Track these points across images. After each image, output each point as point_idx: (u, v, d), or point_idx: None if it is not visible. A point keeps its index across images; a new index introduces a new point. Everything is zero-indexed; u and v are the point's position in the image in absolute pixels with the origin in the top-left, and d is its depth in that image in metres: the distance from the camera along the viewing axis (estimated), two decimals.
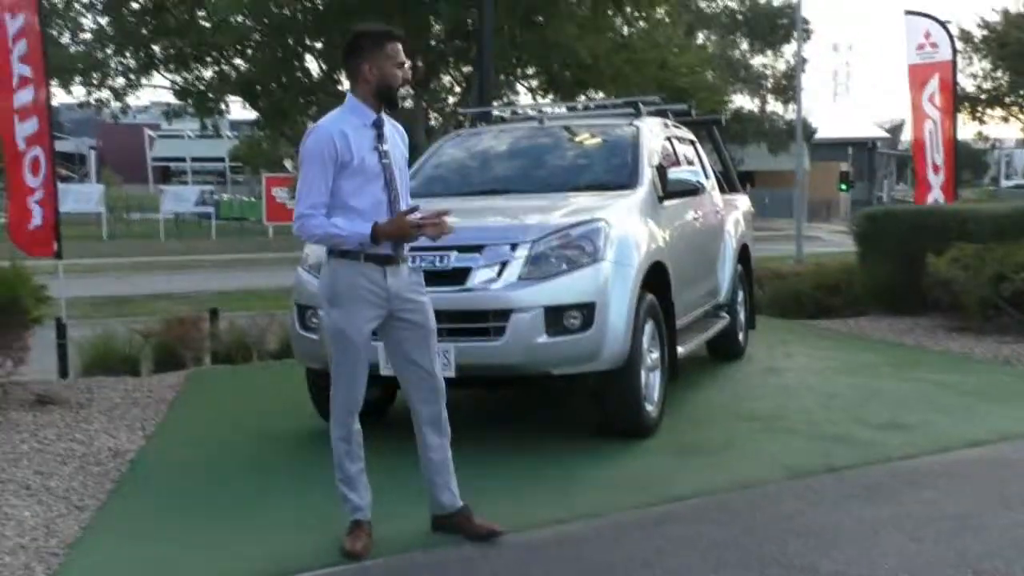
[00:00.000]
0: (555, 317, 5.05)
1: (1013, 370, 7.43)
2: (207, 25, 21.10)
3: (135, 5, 22.45)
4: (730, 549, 3.85)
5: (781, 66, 44.31)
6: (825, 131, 49.69)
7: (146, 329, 8.62)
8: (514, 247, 5.15)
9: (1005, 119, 33.72)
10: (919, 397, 6.44)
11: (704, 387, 6.91)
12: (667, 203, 6.35)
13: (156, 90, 25.38)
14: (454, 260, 5.12)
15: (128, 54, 22.70)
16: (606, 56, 19.95)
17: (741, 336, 8.13)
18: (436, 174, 6.90)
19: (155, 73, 23.62)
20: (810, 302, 10.59)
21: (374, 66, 3.88)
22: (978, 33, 31.73)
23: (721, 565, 3.70)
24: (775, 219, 41.15)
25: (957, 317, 9.07)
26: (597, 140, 7.05)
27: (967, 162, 55.48)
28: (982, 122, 33.76)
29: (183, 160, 65.87)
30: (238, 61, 22.61)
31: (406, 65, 3.92)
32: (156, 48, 22.51)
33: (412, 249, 4.84)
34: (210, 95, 23.14)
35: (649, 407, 5.53)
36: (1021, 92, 32.11)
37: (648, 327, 5.52)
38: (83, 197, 32.78)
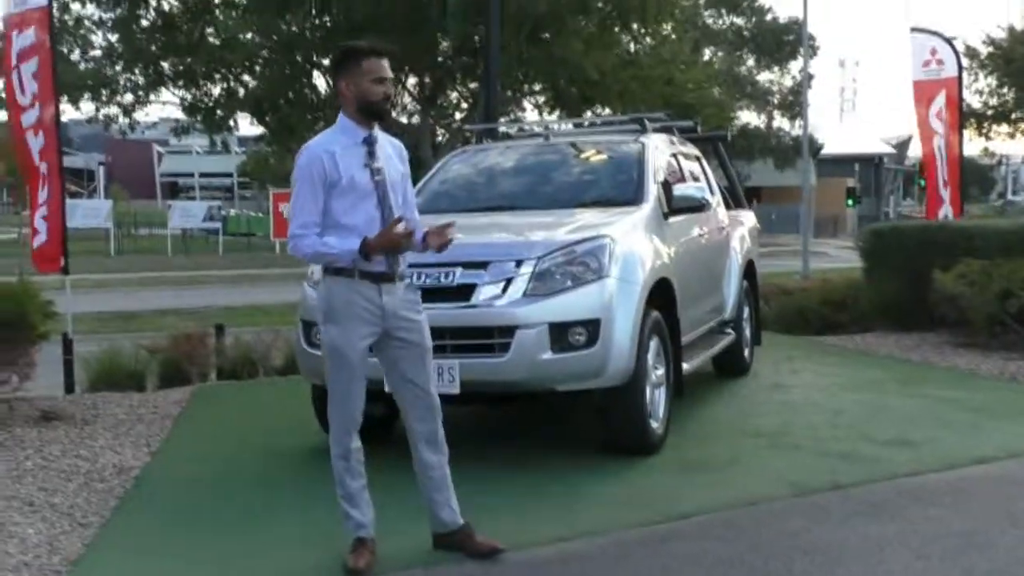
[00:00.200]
0: (560, 334, 5.04)
1: (1020, 386, 7.40)
2: (216, 42, 21.23)
3: (144, 22, 22.59)
4: (735, 567, 3.84)
5: (787, 82, 44.44)
6: (831, 147, 49.72)
7: (152, 345, 8.62)
8: (519, 263, 5.15)
9: (1011, 135, 33.72)
10: (925, 414, 6.41)
11: (709, 403, 6.90)
12: (672, 219, 6.35)
13: (165, 106, 25.52)
14: (459, 276, 5.13)
15: (137, 71, 22.84)
16: (613, 72, 20.00)
17: (747, 352, 8.11)
18: (442, 190, 6.92)
19: (164, 89, 23.76)
20: (816, 318, 10.57)
21: (351, 83, 3.90)
22: (984, 50, 31.76)
23: None
24: (782, 235, 41.13)
25: (963, 333, 9.04)
26: (603, 156, 7.06)
27: (974, 178, 55.46)
28: (988, 138, 33.75)
29: (191, 176, 66.14)
30: (246, 78, 22.72)
31: (388, 80, 3.90)
32: (165, 65, 22.64)
33: (417, 266, 4.89)
34: (218, 111, 23.25)
35: (654, 424, 5.51)
36: None
37: (653, 343, 5.51)
38: (91, 212, 32.94)
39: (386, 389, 4.22)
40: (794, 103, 41.68)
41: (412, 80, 23.84)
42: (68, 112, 25.46)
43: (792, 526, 4.30)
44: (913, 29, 13.07)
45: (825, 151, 48.00)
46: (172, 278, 23.98)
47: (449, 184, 7.06)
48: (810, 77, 29.31)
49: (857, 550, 3.97)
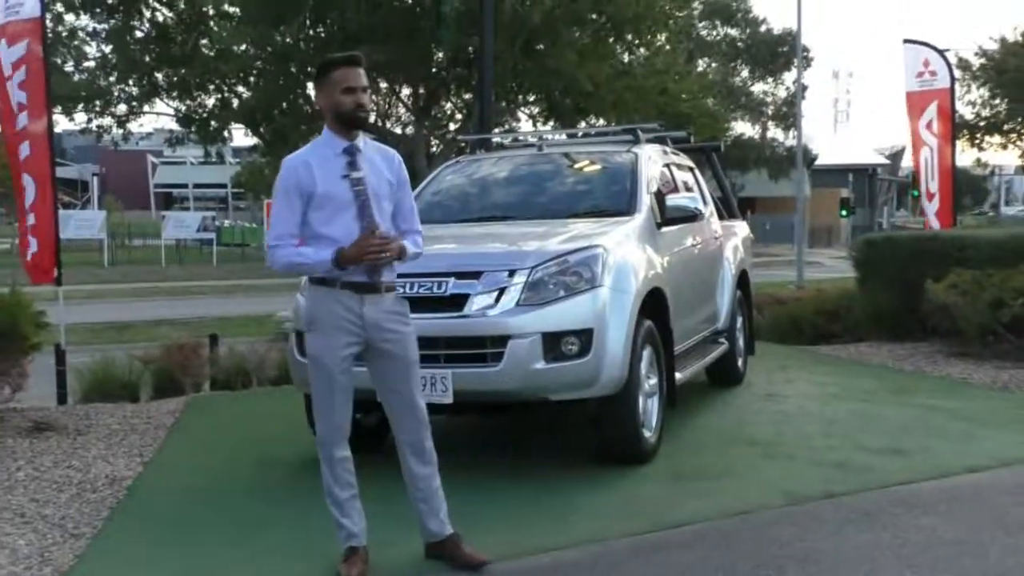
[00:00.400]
0: (553, 343, 5.04)
1: (1012, 395, 7.42)
2: (210, 53, 21.27)
3: (139, 33, 22.63)
4: (729, 575, 3.84)
5: (781, 93, 44.58)
6: (825, 158, 49.90)
7: (145, 355, 8.62)
8: (512, 273, 5.15)
9: (1004, 146, 33.87)
10: (918, 423, 6.43)
11: (703, 413, 6.90)
12: (665, 229, 6.36)
13: (159, 117, 25.54)
14: (452, 286, 5.13)
15: (131, 82, 22.86)
16: (606, 83, 20.06)
17: (740, 362, 8.13)
18: (435, 200, 6.93)
19: (158, 100, 23.79)
20: (810, 328, 10.60)
21: (322, 95, 3.94)
22: (976, 61, 31.92)
23: None
24: (776, 245, 41.19)
25: (956, 343, 9.07)
26: (596, 167, 7.08)
27: (967, 188, 55.65)
28: (981, 149, 33.90)
29: (185, 186, 66.14)
30: (240, 89, 22.75)
31: (360, 88, 3.88)
32: (159, 76, 22.67)
33: (410, 275, 4.89)
34: (212, 122, 23.28)
35: (647, 433, 5.52)
36: (1019, 119, 32.25)
37: (646, 353, 5.52)
38: (85, 223, 32.91)
39: (379, 398, 4.21)
40: (788, 114, 41.84)
41: (406, 91, 23.89)
42: (62, 123, 25.49)
43: (785, 535, 4.30)
44: (906, 41, 13.15)
45: (819, 162, 48.17)
46: (166, 289, 23.94)
47: (442, 195, 7.07)
48: (804, 88, 29.45)
49: (850, 559, 3.97)
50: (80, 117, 23.34)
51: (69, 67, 22.92)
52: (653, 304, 5.71)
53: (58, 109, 20.84)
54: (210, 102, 23.60)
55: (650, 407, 5.60)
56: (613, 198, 6.51)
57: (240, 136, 26.72)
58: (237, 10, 20.40)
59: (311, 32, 20.61)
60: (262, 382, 8.60)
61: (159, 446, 6.38)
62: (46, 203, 7.68)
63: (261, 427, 6.99)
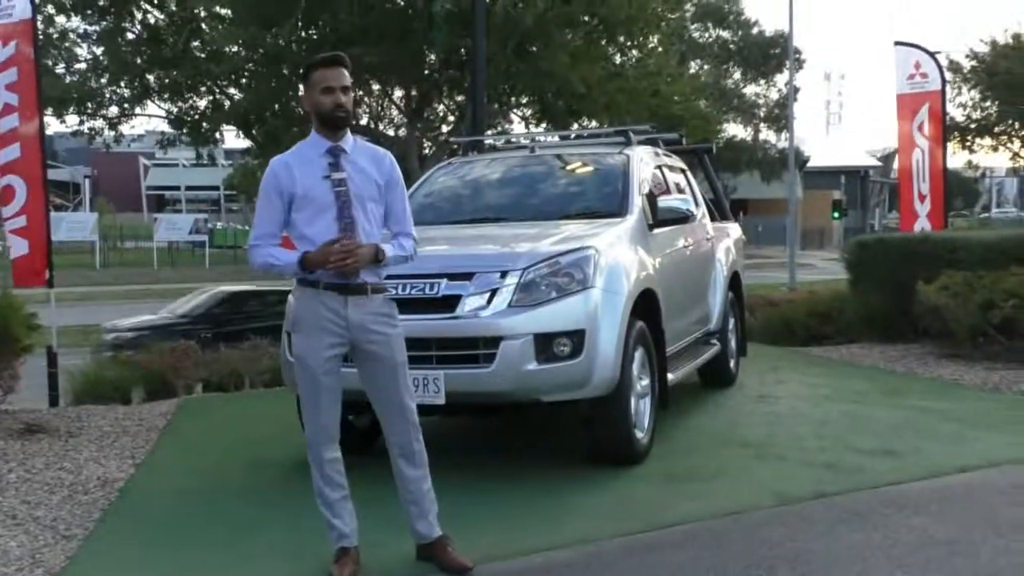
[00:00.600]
0: (545, 344, 5.05)
1: (1003, 396, 7.45)
2: (201, 55, 21.22)
3: (130, 35, 22.57)
4: None
5: (773, 95, 44.71)
6: (817, 159, 50.06)
7: (138, 357, 8.61)
8: (504, 274, 5.15)
9: (995, 148, 33.97)
10: (909, 424, 6.44)
11: (695, 414, 6.91)
12: (657, 231, 6.38)
13: (151, 119, 25.49)
14: (444, 287, 5.13)
15: (123, 83, 22.80)
16: (599, 85, 20.05)
17: (732, 363, 8.14)
18: (427, 202, 6.93)
19: (149, 102, 23.72)
20: (801, 329, 10.63)
21: (305, 96, 3.97)
22: (967, 63, 32.00)
23: None
24: (768, 247, 41.32)
25: (947, 344, 9.10)
26: (588, 168, 7.09)
27: (958, 190, 55.84)
28: (972, 151, 33.99)
29: (177, 189, 65.96)
30: (232, 90, 22.71)
31: (339, 88, 3.88)
32: (150, 77, 22.61)
33: (402, 277, 4.90)
34: (204, 124, 23.23)
35: (639, 434, 5.53)
36: (1010, 121, 32.36)
37: (638, 354, 5.53)
38: (77, 226, 32.86)
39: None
40: (780, 116, 41.94)
41: (399, 92, 23.87)
42: (53, 125, 25.44)
43: (776, 535, 4.31)
44: (897, 43, 13.20)
45: (811, 164, 48.33)
46: (158, 291, 23.91)
47: (434, 196, 7.07)
48: (796, 90, 29.51)
49: (841, 559, 3.99)
50: (72, 119, 23.27)
51: (60, 69, 22.85)
52: (645, 305, 5.72)
53: (49, 111, 20.78)
54: (202, 104, 23.55)
55: (642, 408, 5.61)
56: (605, 200, 6.52)
57: (232, 138, 26.67)
58: (229, 12, 20.36)
59: (303, 34, 20.57)
60: (254, 384, 8.60)
61: (151, 448, 6.37)
62: (38, 205, 7.66)
63: (253, 429, 6.98)
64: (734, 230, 9.07)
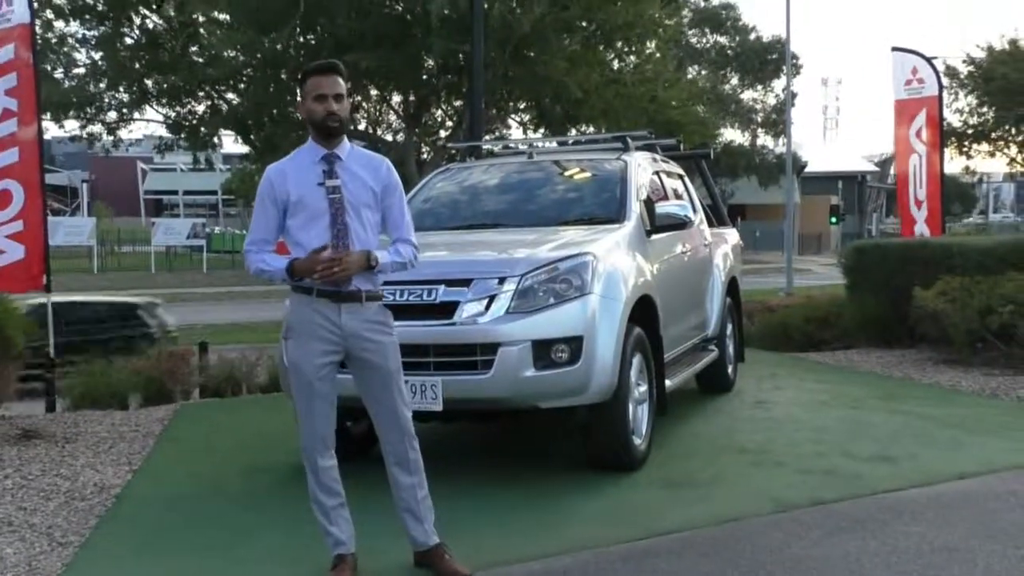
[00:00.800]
0: (543, 351, 5.05)
1: (1000, 402, 7.45)
2: (200, 60, 21.22)
3: (129, 40, 22.58)
4: None
5: (771, 100, 44.73)
6: (815, 165, 50.10)
7: (135, 363, 8.59)
8: (502, 281, 5.15)
9: (992, 154, 34.02)
10: (907, 430, 6.44)
11: (692, 420, 6.91)
12: (655, 237, 6.38)
13: (149, 124, 25.50)
14: (442, 294, 5.13)
15: (121, 88, 22.81)
16: (596, 91, 20.07)
17: (730, 369, 8.14)
18: (425, 208, 6.94)
19: (148, 107, 23.72)
20: (799, 335, 10.63)
21: (301, 104, 3.99)
22: (964, 69, 32.07)
23: None
24: (766, 252, 41.34)
25: (945, 350, 9.10)
26: (586, 174, 7.09)
27: (956, 196, 55.88)
28: (969, 156, 34.04)
29: (175, 193, 65.93)
30: (230, 95, 22.72)
31: (332, 96, 3.87)
32: (149, 82, 22.61)
33: (400, 283, 4.90)
34: (202, 129, 23.22)
35: (637, 440, 5.53)
36: (1007, 127, 32.41)
37: (636, 360, 5.53)
38: (74, 230, 32.82)
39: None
40: (778, 121, 41.97)
41: (397, 98, 23.88)
42: (51, 130, 25.43)
43: (774, 542, 4.30)
44: (894, 48, 13.23)
45: (808, 169, 48.36)
46: (156, 296, 23.87)
47: (432, 202, 7.07)
48: (793, 95, 29.54)
49: (838, 566, 3.98)
50: (70, 124, 23.28)
51: (59, 74, 22.86)
52: (643, 311, 5.71)
53: (47, 116, 20.78)
54: (200, 109, 23.55)
55: (640, 414, 5.61)
56: (603, 206, 6.53)
57: (230, 143, 26.67)
58: (227, 17, 20.37)
59: (301, 39, 20.58)
60: (252, 389, 8.59)
61: (148, 454, 6.36)
62: (35, 210, 7.64)
63: (250, 435, 6.97)
64: (732, 235, 9.07)
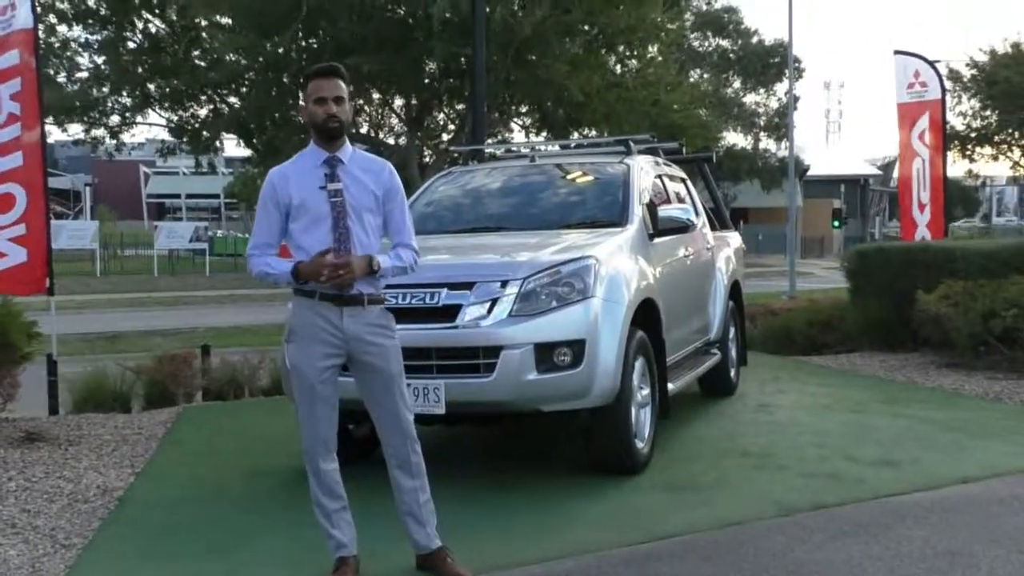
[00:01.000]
0: (545, 354, 5.05)
1: (1004, 406, 7.44)
2: (202, 63, 21.27)
3: (131, 44, 22.62)
4: None
5: (773, 104, 44.78)
6: (817, 168, 50.09)
7: (137, 366, 8.59)
8: (504, 284, 5.15)
9: (995, 157, 34.01)
10: (910, 434, 6.44)
11: (695, 424, 6.91)
12: (658, 240, 6.38)
13: (151, 127, 25.54)
14: (444, 297, 5.13)
15: (124, 92, 22.86)
16: (598, 94, 20.10)
17: (732, 373, 8.14)
18: (428, 211, 6.94)
19: (150, 111, 23.77)
20: (802, 338, 10.62)
21: (304, 107, 3.99)
22: (967, 72, 32.07)
23: None
24: (768, 255, 41.32)
25: (948, 353, 9.09)
26: (588, 178, 7.10)
27: (959, 199, 55.88)
28: (972, 160, 34.03)
29: (178, 197, 65.98)
30: (232, 99, 22.76)
31: (332, 99, 3.87)
32: (151, 86, 22.66)
33: (402, 286, 4.90)
34: (204, 132, 23.26)
35: (639, 444, 5.52)
36: (1010, 130, 32.39)
37: (638, 364, 5.53)
38: (77, 233, 32.82)
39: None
40: (780, 124, 42.00)
41: (399, 101, 23.91)
42: (55, 133, 25.50)
43: (777, 546, 4.30)
44: (896, 52, 13.23)
45: (811, 172, 48.36)
46: (158, 299, 23.90)
47: (435, 205, 7.08)
48: (796, 99, 29.55)
49: (841, 570, 3.98)
50: (74, 128, 23.34)
51: (62, 78, 22.91)
52: (645, 315, 5.71)
53: (50, 120, 20.82)
54: (202, 112, 23.61)
55: (642, 418, 5.61)
56: (605, 209, 6.53)
57: (232, 146, 26.74)
58: (229, 20, 20.41)
59: (303, 43, 20.62)
60: (254, 392, 8.59)
61: (151, 457, 6.36)
62: (38, 214, 7.64)
63: (253, 438, 6.97)
64: (734, 239, 9.07)
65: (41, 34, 14.39)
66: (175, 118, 23.82)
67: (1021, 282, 8.51)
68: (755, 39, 43.89)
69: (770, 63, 43.09)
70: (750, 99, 45.40)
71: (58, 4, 21.91)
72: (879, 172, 60.61)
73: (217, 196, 60.82)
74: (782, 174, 38.22)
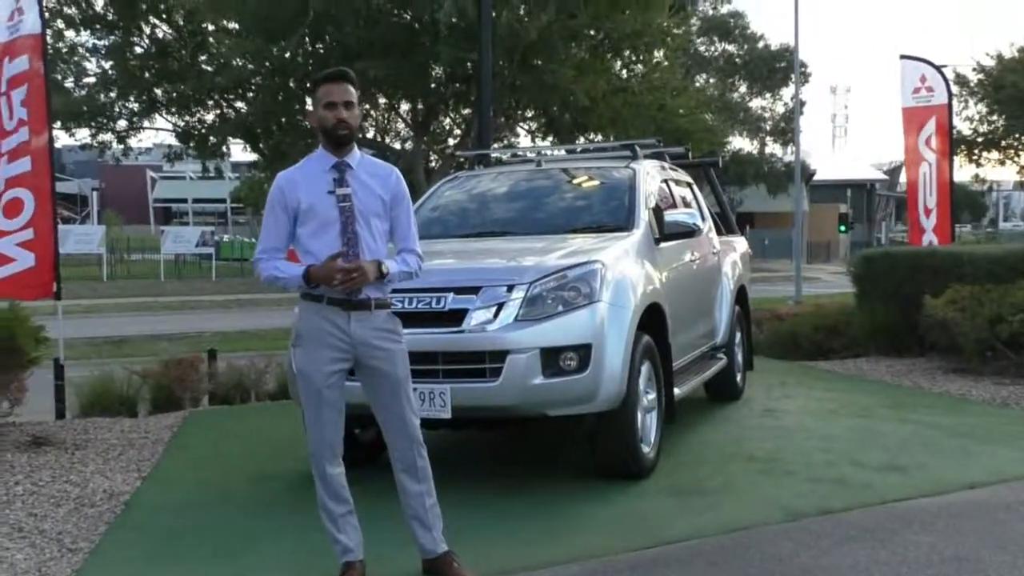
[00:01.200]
0: (551, 358, 5.05)
1: (1011, 411, 7.42)
2: (209, 68, 21.33)
3: (138, 49, 22.70)
4: None
5: (779, 109, 44.71)
6: (823, 173, 50.00)
7: (144, 370, 8.61)
8: (511, 288, 5.15)
9: (1002, 162, 33.96)
10: (917, 439, 6.42)
11: (701, 429, 6.90)
12: (664, 245, 6.38)
13: (158, 132, 25.62)
14: (451, 301, 5.13)
15: (131, 97, 22.93)
16: (604, 99, 20.12)
17: (739, 377, 8.13)
18: (434, 216, 6.95)
19: (157, 116, 23.84)
20: (808, 343, 10.60)
21: (313, 112, 3.99)
22: (974, 77, 32.03)
23: None
24: (774, 260, 41.24)
25: (955, 359, 9.07)
26: (594, 182, 7.10)
27: (965, 204, 55.75)
28: (979, 165, 33.97)
29: (184, 201, 66.15)
30: (239, 104, 22.81)
31: (342, 104, 3.88)
32: (158, 91, 22.73)
33: (408, 291, 4.90)
34: (211, 138, 23.32)
35: (645, 448, 5.52)
36: (1017, 135, 32.34)
37: (644, 368, 5.52)
38: (84, 238, 32.88)
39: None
40: (786, 129, 41.95)
41: (405, 106, 23.95)
42: (62, 138, 25.58)
43: (783, 551, 4.29)
44: (903, 56, 13.21)
45: (817, 177, 48.27)
46: (165, 303, 23.94)
47: (441, 210, 7.09)
48: (802, 104, 29.54)
49: (848, 575, 3.97)
50: (81, 133, 23.42)
51: (69, 83, 22.99)
52: (652, 319, 5.71)
53: (57, 125, 20.90)
54: (209, 117, 23.67)
55: (648, 422, 5.60)
56: (611, 214, 6.53)
57: (239, 151, 26.80)
58: (236, 25, 20.47)
59: (309, 47, 20.67)
60: (261, 397, 8.60)
61: (157, 461, 6.37)
62: (46, 218, 7.65)
63: (259, 442, 6.98)
64: (740, 244, 9.06)
65: (49, 39, 14.43)
66: (182, 123, 23.89)
67: None
68: (761, 44, 43.84)
69: (776, 68, 43.03)
70: (756, 104, 45.37)
71: (66, 9, 22.00)
72: (885, 177, 60.47)
73: (224, 201, 60.99)
74: (788, 179, 38.16)
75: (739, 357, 8.18)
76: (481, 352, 5.04)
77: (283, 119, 21.69)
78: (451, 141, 25.28)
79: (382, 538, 4.33)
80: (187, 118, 23.57)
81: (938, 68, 12.94)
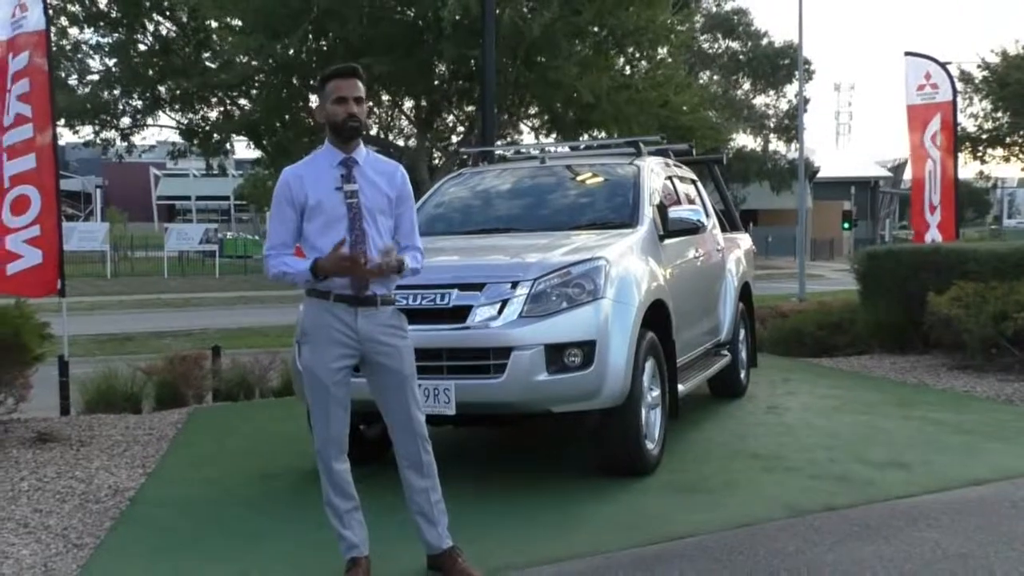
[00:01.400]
0: (555, 355, 5.05)
1: (1015, 408, 7.41)
2: (212, 65, 21.33)
3: (142, 46, 22.71)
4: None
5: (783, 106, 44.66)
6: (827, 170, 49.97)
7: (148, 367, 8.63)
8: (515, 285, 5.15)
9: (1006, 159, 33.86)
10: (921, 436, 6.42)
11: (705, 425, 6.90)
12: (668, 242, 6.38)
13: (162, 130, 25.63)
14: (455, 298, 5.14)
15: (135, 95, 22.95)
16: (608, 95, 20.09)
17: (742, 374, 8.13)
18: (438, 213, 6.95)
19: (160, 113, 23.86)
20: (812, 340, 10.60)
21: (319, 106, 4.00)
22: (978, 74, 31.95)
23: None
24: (778, 257, 41.25)
25: (959, 356, 9.06)
26: (598, 179, 7.10)
27: (970, 201, 55.69)
28: (983, 162, 33.89)
29: (188, 198, 66.23)
30: (243, 101, 22.82)
31: (352, 99, 3.89)
32: (162, 89, 22.74)
33: (413, 287, 4.91)
34: (215, 135, 23.34)
35: (650, 445, 5.52)
36: (1022, 132, 32.25)
37: (648, 365, 5.52)
38: (88, 235, 32.98)
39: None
40: (790, 126, 41.91)
41: (409, 103, 23.94)
42: (66, 135, 25.62)
43: (787, 548, 4.29)
44: (907, 53, 13.19)
45: (821, 174, 48.23)
46: (168, 300, 23.97)
47: (445, 207, 7.09)
48: (806, 101, 29.49)
49: (852, 572, 3.96)
50: (84, 130, 23.45)
51: (73, 80, 23.00)
52: (656, 316, 5.71)
53: (61, 122, 20.91)
54: (212, 115, 23.69)
55: (652, 419, 5.60)
56: (615, 210, 6.53)
57: (242, 148, 26.82)
58: (239, 22, 20.47)
59: (313, 44, 20.67)
60: (264, 393, 8.62)
61: (161, 457, 6.38)
62: (51, 215, 7.67)
63: (263, 438, 6.99)
64: (744, 241, 9.06)
65: (53, 37, 14.44)
66: (185, 120, 23.90)
67: None
68: (765, 41, 43.80)
69: (780, 65, 42.99)
70: (760, 101, 45.34)
71: (69, 7, 22.01)
72: (889, 174, 60.43)
73: (227, 198, 61.07)
74: (792, 176, 38.15)
75: (743, 354, 8.18)
76: (485, 348, 5.04)
77: (287, 116, 21.70)
78: (455, 138, 25.27)
79: (387, 534, 4.34)
80: (191, 115, 23.59)
81: (942, 65, 12.93)
